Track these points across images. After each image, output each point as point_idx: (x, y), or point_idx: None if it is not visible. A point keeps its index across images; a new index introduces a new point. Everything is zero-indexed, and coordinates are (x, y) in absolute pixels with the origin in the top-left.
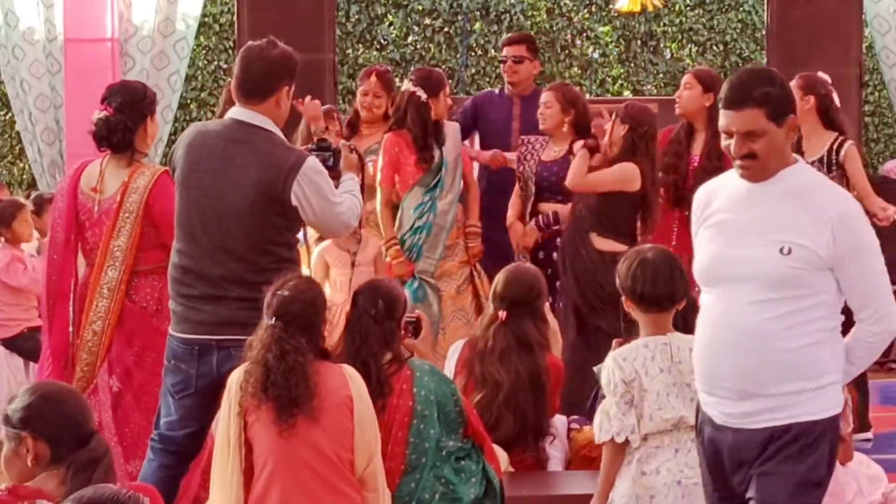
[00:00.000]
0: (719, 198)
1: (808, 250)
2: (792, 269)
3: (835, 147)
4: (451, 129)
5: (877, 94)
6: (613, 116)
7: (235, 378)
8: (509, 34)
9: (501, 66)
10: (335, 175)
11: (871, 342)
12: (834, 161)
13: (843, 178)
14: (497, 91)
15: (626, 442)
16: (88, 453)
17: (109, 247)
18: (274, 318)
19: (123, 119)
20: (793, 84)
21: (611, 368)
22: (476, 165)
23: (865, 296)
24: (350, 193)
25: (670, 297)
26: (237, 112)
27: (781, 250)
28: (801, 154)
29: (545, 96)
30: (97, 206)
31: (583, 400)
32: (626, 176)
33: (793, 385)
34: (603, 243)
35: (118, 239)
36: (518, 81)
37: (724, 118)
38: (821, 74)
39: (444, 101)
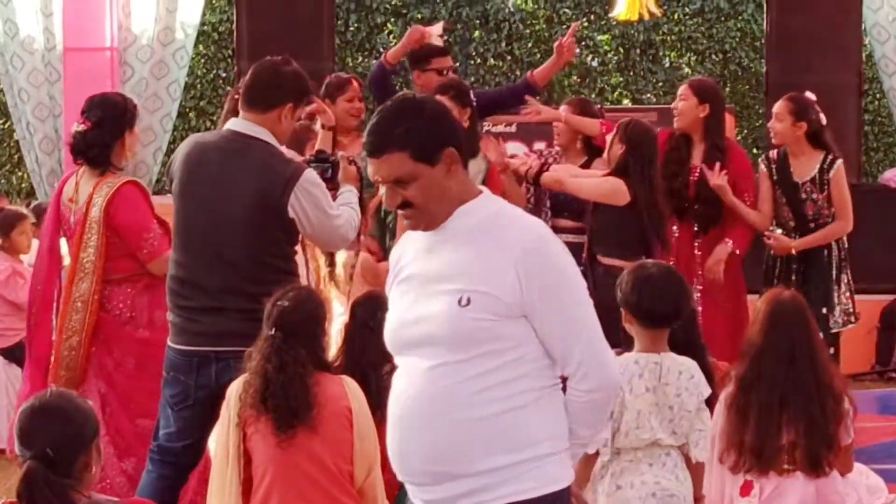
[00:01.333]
0: (409, 250)
1: (490, 297)
2: (474, 323)
3: (824, 166)
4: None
5: (876, 102)
6: (615, 131)
7: (234, 389)
8: (428, 46)
9: (437, 77)
10: (333, 187)
11: (586, 403)
12: (826, 180)
13: None
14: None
15: (597, 452)
16: None
17: (80, 259)
18: (274, 329)
19: (101, 134)
20: (783, 108)
21: None
22: None
23: (566, 345)
24: (348, 206)
25: (673, 313)
26: (236, 123)
27: (460, 301)
28: (790, 174)
29: (561, 110)
30: (72, 216)
31: None
32: (609, 188)
33: (495, 460)
34: (608, 260)
35: (86, 251)
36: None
37: (369, 167)
38: (808, 95)
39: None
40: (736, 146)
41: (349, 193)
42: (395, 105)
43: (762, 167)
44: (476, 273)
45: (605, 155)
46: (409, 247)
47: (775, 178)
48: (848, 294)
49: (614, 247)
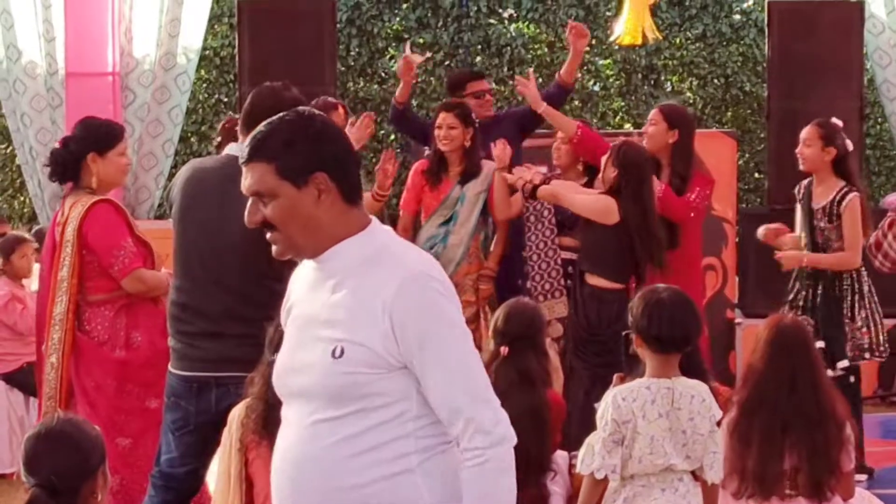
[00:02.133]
0: (297, 282)
1: (363, 348)
2: (347, 377)
3: (837, 198)
4: (489, 167)
5: (878, 127)
6: (609, 154)
7: (237, 414)
8: (462, 71)
9: (475, 100)
10: None
11: (480, 467)
12: (835, 212)
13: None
14: None
15: (606, 477)
16: None
17: (57, 278)
18: (275, 354)
19: (64, 153)
20: (812, 132)
21: (607, 405)
22: None
23: (449, 399)
24: None
25: (685, 338)
26: (235, 148)
27: (333, 352)
28: (810, 200)
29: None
30: (58, 237)
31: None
32: (601, 206)
33: None
34: (593, 279)
35: (62, 270)
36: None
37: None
38: (835, 121)
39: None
40: (703, 175)
41: None
42: (282, 116)
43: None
44: (350, 320)
45: (600, 177)
46: (299, 279)
47: (801, 202)
48: (865, 329)
49: (599, 266)
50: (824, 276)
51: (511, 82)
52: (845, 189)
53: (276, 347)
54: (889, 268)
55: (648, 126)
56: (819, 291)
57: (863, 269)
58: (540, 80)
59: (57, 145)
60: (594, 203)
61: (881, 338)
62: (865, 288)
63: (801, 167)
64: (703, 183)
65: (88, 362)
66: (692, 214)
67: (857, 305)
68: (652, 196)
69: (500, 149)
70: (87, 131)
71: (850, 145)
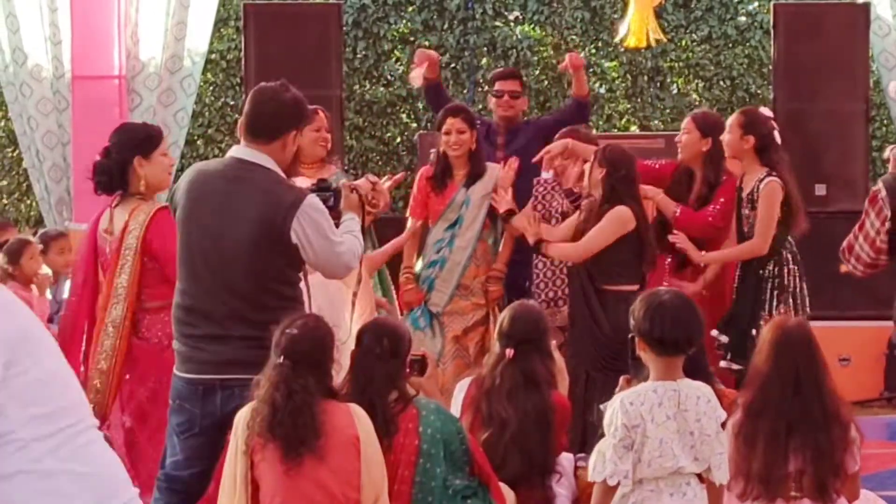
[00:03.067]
0: None
1: None
2: None
3: (758, 185)
4: (493, 169)
5: (884, 129)
6: (592, 158)
7: (242, 417)
8: (499, 69)
9: (494, 99)
10: (336, 215)
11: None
12: (755, 199)
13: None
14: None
15: (618, 483)
16: None
17: (114, 285)
18: (282, 357)
19: (108, 162)
20: (733, 121)
21: (615, 410)
22: None
23: None
24: (351, 234)
25: (687, 340)
26: (238, 151)
27: None
28: (741, 189)
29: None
30: (108, 246)
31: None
32: (624, 218)
33: None
34: (613, 286)
35: (120, 276)
36: (514, 115)
37: None
38: (763, 110)
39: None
40: (733, 180)
41: (351, 221)
42: None
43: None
44: None
45: (584, 181)
46: None
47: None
48: None
49: (616, 273)
50: (745, 266)
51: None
52: (765, 175)
53: (283, 351)
54: (862, 271)
55: (682, 135)
56: (742, 282)
57: (789, 262)
58: (545, 82)
59: (98, 157)
60: (613, 223)
61: None
62: (788, 282)
63: (726, 153)
64: (729, 190)
65: (143, 368)
66: (715, 228)
67: (776, 300)
68: (640, 196)
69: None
70: (127, 136)
71: (776, 135)
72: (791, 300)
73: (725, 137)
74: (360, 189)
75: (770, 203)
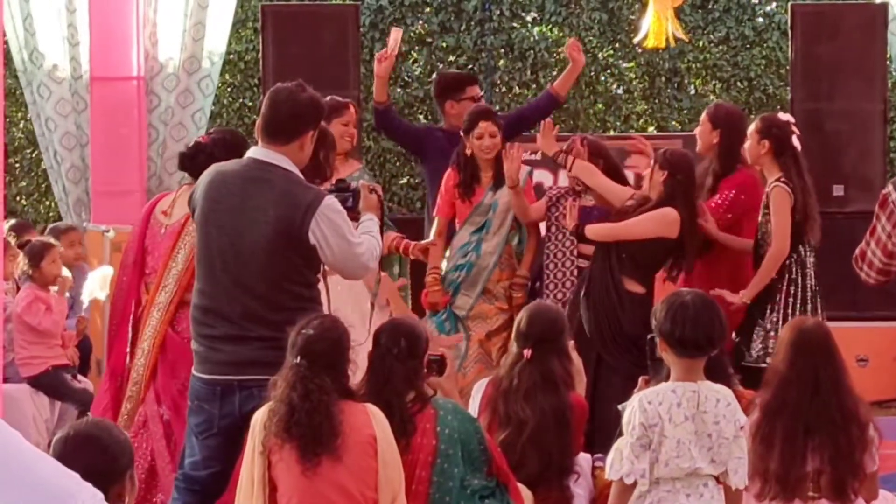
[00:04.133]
0: None
1: None
2: None
3: (768, 191)
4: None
5: None
6: (653, 162)
7: (259, 417)
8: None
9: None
10: (355, 216)
11: None
12: (767, 203)
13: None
14: (439, 128)
15: (634, 482)
16: None
17: (167, 268)
18: (299, 357)
19: (213, 150)
20: (752, 127)
21: (634, 409)
22: None
23: None
24: (369, 234)
25: (708, 341)
26: (256, 151)
27: None
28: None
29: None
30: (164, 229)
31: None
32: (669, 219)
33: None
34: (631, 284)
35: (175, 261)
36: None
37: None
38: (781, 116)
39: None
40: (748, 176)
41: (370, 222)
42: None
43: None
44: None
45: (644, 185)
46: None
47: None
48: (774, 334)
49: (640, 275)
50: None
51: (534, 86)
52: (774, 181)
53: (300, 351)
54: (875, 278)
55: (699, 127)
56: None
57: (792, 271)
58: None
59: (201, 139)
60: (656, 220)
61: None
62: (790, 292)
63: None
64: (736, 184)
65: (174, 360)
66: (723, 217)
67: (769, 308)
68: (696, 200)
69: (514, 168)
70: (235, 141)
71: (795, 140)
72: (786, 310)
73: (746, 143)
74: (378, 190)
75: (777, 209)
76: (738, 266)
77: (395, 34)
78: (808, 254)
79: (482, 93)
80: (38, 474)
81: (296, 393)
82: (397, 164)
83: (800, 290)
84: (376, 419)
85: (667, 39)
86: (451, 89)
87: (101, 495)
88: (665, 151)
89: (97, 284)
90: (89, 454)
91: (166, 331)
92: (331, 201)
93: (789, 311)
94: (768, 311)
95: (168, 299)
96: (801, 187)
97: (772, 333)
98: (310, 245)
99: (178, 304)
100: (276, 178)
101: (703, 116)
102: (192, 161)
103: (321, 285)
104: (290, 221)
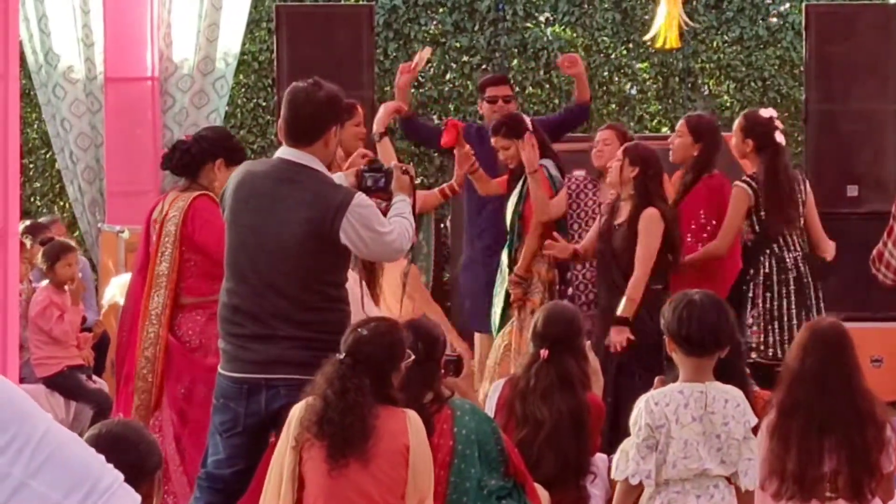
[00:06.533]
0: None
1: None
2: None
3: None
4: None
5: None
6: (621, 157)
7: (297, 411)
8: (487, 76)
9: (487, 105)
10: (387, 196)
11: None
12: None
13: None
14: (474, 125)
15: (640, 483)
16: None
17: (155, 272)
18: (345, 354)
19: (191, 147)
20: (736, 125)
21: (640, 410)
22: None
23: None
24: (400, 216)
25: (715, 341)
26: (285, 151)
27: None
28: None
29: (604, 134)
30: (154, 234)
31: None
32: (656, 220)
33: None
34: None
35: (161, 264)
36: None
37: None
38: (763, 112)
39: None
40: (713, 187)
41: (402, 203)
42: None
43: None
44: None
45: (612, 178)
46: None
47: None
48: (756, 329)
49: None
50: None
51: (547, 86)
52: (738, 180)
53: (347, 349)
54: (892, 279)
55: (675, 137)
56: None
57: (768, 264)
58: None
59: (184, 139)
60: (652, 235)
61: (770, 339)
62: (756, 289)
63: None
64: (703, 203)
65: (178, 367)
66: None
67: (750, 303)
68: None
69: (529, 151)
70: (219, 134)
71: (779, 136)
72: (765, 305)
73: (732, 140)
74: (411, 171)
75: (731, 207)
76: (719, 265)
77: (425, 53)
78: (787, 249)
79: (507, 93)
80: (67, 453)
81: (332, 390)
82: (411, 164)
83: (775, 284)
84: (413, 428)
85: (681, 36)
86: (479, 90)
87: (125, 484)
88: (636, 146)
89: (118, 290)
90: (120, 453)
91: (168, 337)
92: (360, 199)
93: (767, 305)
94: (749, 306)
95: (163, 302)
96: (773, 184)
97: (753, 328)
98: (340, 245)
99: (172, 309)
100: (306, 179)
101: (683, 128)
102: (170, 161)
103: (351, 284)
104: (321, 222)
